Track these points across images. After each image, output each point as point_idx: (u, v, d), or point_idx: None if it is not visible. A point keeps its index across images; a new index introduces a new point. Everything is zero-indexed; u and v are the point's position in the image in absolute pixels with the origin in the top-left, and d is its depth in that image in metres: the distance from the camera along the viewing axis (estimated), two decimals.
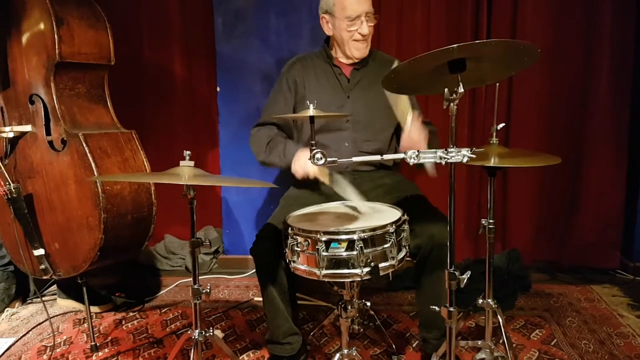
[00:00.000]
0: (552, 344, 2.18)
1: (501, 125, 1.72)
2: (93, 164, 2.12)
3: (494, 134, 1.70)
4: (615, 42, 2.79)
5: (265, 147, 2.13)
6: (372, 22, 2.07)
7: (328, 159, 1.51)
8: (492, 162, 1.63)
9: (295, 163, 1.97)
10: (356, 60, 2.15)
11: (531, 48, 1.34)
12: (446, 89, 1.32)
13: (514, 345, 2.15)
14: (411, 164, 1.39)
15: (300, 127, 2.21)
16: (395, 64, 1.44)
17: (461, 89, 1.31)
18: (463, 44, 1.25)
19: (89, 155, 2.13)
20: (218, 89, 3.08)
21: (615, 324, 2.34)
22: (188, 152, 1.58)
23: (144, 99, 3.28)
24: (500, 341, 1.80)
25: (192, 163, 1.58)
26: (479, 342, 1.86)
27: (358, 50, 2.09)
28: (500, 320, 1.78)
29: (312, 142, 1.60)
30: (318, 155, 1.50)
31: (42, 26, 2.18)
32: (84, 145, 2.13)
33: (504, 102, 2.94)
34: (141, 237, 2.31)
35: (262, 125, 2.22)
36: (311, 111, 1.63)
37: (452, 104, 1.33)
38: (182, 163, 1.57)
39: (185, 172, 1.53)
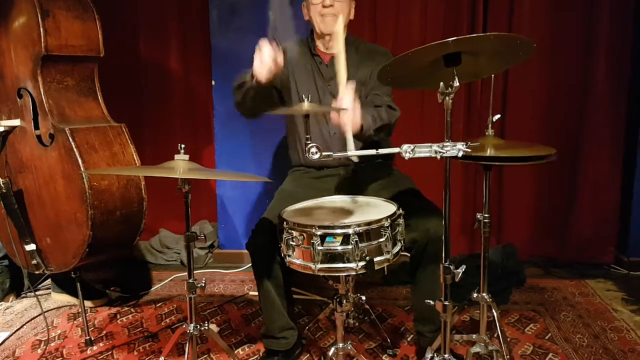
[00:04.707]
0: (547, 338, 2.19)
1: (497, 116, 1.71)
2: (79, 159, 2.08)
3: (490, 125, 1.70)
4: (613, 36, 2.78)
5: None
6: None
7: (323, 153, 1.50)
8: (488, 152, 1.62)
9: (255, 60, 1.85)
10: (327, 37, 2.12)
11: (527, 43, 1.33)
12: (442, 83, 1.31)
13: (509, 339, 2.16)
14: (406, 158, 1.38)
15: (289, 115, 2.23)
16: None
17: (456, 83, 1.30)
18: (458, 37, 1.25)
19: (75, 150, 2.09)
20: (213, 83, 3.06)
21: (610, 318, 2.35)
22: (183, 146, 1.57)
23: (140, 93, 3.26)
24: (495, 335, 1.81)
25: (186, 157, 1.56)
26: (474, 336, 1.86)
27: (324, 23, 2.08)
28: (495, 314, 1.78)
29: (307, 136, 1.59)
30: (313, 150, 1.50)
31: (27, 19, 2.14)
32: (71, 140, 2.09)
33: (499, 98, 2.93)
34: (132, 233, 2.28)
35: None
36: (306, 105, 1.61)
37: (447, 98, 1.32)
38: (176, 157, 1.56)
39: (180, 166, 1.52)
